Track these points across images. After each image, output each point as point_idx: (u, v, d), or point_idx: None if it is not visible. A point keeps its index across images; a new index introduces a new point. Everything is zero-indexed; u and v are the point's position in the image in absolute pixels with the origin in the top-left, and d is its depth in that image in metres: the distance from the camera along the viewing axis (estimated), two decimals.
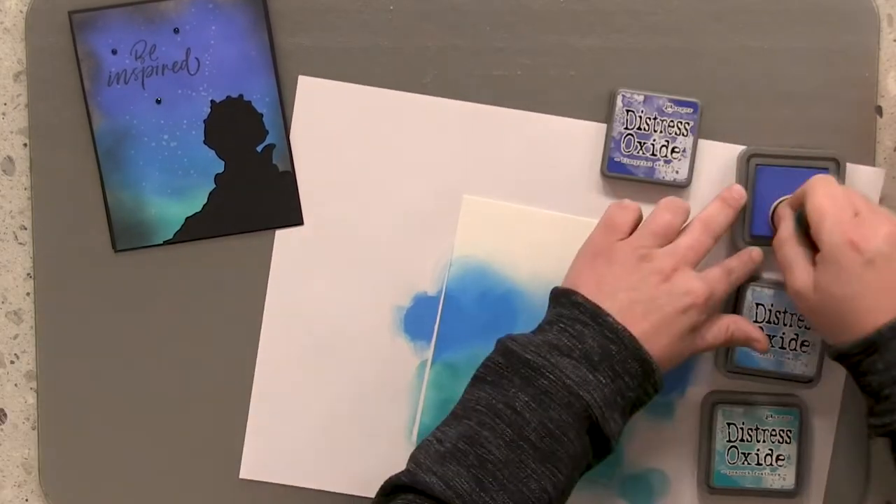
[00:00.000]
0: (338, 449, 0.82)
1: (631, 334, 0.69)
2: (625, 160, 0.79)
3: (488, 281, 0.81)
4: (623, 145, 0.79)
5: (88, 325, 0.81)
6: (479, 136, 0.80)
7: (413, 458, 0.69)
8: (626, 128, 0.79)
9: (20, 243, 0.82)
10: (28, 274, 0.82)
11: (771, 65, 0.80)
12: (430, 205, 0.80)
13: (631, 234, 0.74)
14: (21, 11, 0.80)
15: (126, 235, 0.80)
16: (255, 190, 0.80)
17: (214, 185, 0.80)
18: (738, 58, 0.80)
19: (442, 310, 0.81)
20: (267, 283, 0.81)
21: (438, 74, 0.80)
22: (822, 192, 0.71)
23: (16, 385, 0.83)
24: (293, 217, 0.81)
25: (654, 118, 0.78)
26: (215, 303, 0.81)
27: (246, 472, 0.81)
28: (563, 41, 0.80)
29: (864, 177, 0.80)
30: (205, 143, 0.80)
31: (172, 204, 0.80)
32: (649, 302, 0.71)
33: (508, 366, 0.69)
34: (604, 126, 0.79)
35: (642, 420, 0.80)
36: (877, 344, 0.67)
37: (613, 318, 0.69)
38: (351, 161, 0.80)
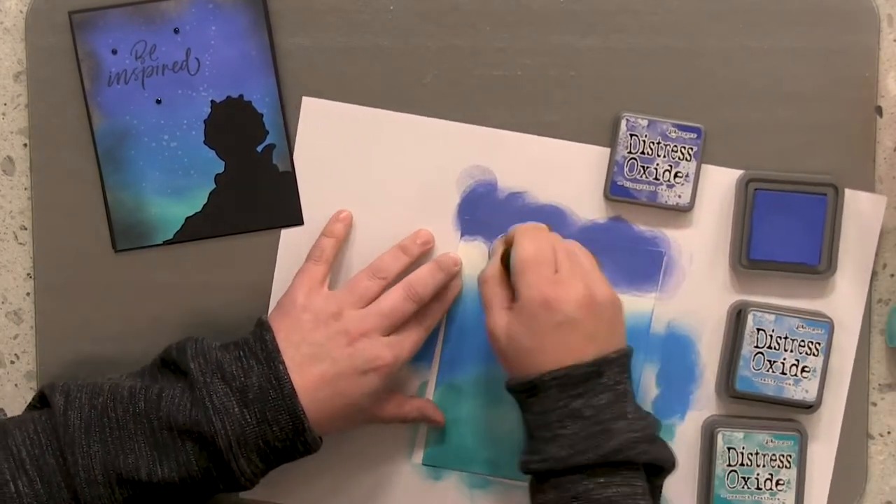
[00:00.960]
0: (336, 468, 0.81)
1: (292, 388, 0.71)
2: (628, 184, 0.79)
3: None
4: (626, 169, 0.79)
5: (88, 325, 0.81)
6: (481, 158, 0.80)
7: (73, 379, 0.73)
8: (630, 152, 0.79)
9: (20, 243, 0.82)
10: (28, 274, 0.82)
11: (771, 65, 0.80)
12: (433, 224, 0.80)
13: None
14: (21, 11, 0.80)
15: (126, 235, 0.80)
16: (256, 190, 0.80)
17: (214, 185, 0.80)
18: (738, 58, 0.80)
19: (444, 333, 0.81)
20: (267, 283, 0.81)
21: (438, 74, 0.80)
22: (528, 242, 0.72)
23: (16, 385, 0.83)
24: (293, 217, 0.81)
25: (658, 142, 0.78)
26: (215, 303, 0.81)
27: None
28: (563, 41, 0.80)
29: (865, 204, 0.80)
30: (205, 143, 0.80)
31: (172, 204, 0.80)
32: (329, 361, 0.72)
33: (179, 362, 0.72)
34: (606, 150, 0.79)
35: None
36: (537, 388, 0.69)
37: (285, 368, 0.71)
38: (353, 177, 0.80)
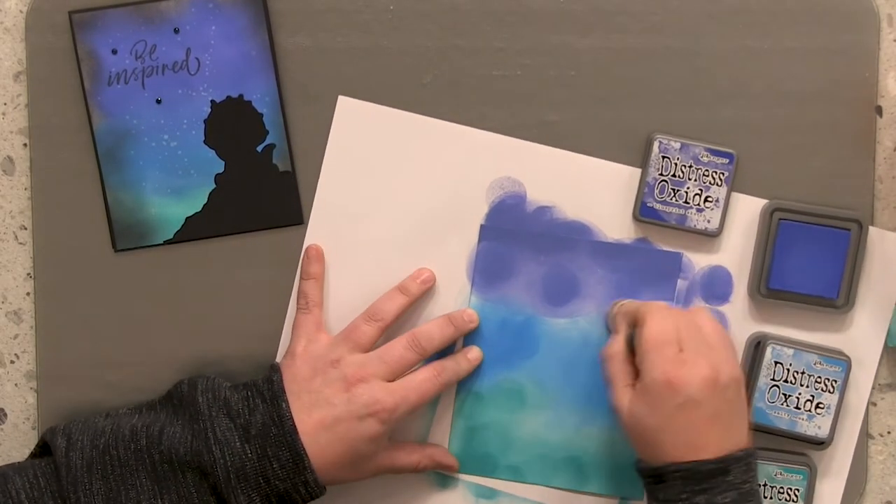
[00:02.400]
0: None
1: (293, 425, 0.71)
2: (657, 206, 0.79)
3: (507, 309, 0.81)
4: (657, 191, 0.79)
5: (88, 325, 0.81)
6: (512, 169, 0.80)
7: (74, 421, 0.75)
8: (661, 174, 0.79)
9: (20, 243, 0.82)
10: (28, 274, 0.82)
11: (771, 65, 0.80)
12: (454, 237, 0.80)
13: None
14: (21, 11, 0.80)
15: (126, 235, 0.80)
16: (256, 190, 0.80)
17: (215, 185, 0.80)
18: (738, 58, 0.80)
19: (465, 338, 0.81)
20: (266, 282, 0.81)
21: (438, 74, 0.80)
22: (655, 321, 0.72)
23: (16, 385, 0.83)
24: (293, 217, 0.81)
25: (690, 166, 0.78)
26: (215, 303, 0.81)
27: None
28: (563, 41, 0.80)
29: (890, 243, 0.80)
30: (205, 143, 0.80)
31: (172, 204, 0.80)
32: (327, 407, 0.73)
33: (187, 396, 0.74)
34: (637, 170, 0.79)
35: None
36: (663, 476, 0.69)
37: (287, 406, 0.72)
38: (383, 179, 0.80)
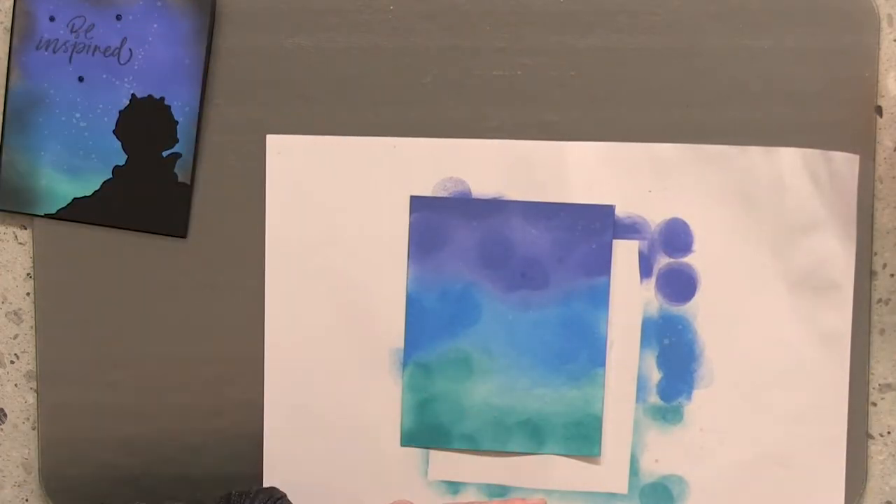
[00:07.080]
0: (348, 490, 0.82)
1: None
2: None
3: (446, 278, 0.81)
4: None
5: (88, 325, 0.81)
6: (454, 170, 0.80)
7: None
8: None
9: (20, 243, 0.82)
10: (28, 274, 0.82)
11: (771, 65, 0.80)
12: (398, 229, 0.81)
13: None
14: None
15: (8, 197, 0.80)
16: (149, 192, 0.80)
17: (111, 176, 0.80)
18: (738, 58, 0.80)
19: (406, 312, 0.81)
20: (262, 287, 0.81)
21: (438, 74, 0.80)
22: None
23: (16, 385, 0.83)
24: (178, 229, 0.80)
25: None
26: (218, 304, 0.81)
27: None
28: (563, 41, 0.80)
29: (840, 164, 0.80)
30: (114, 132, 0.80)
31: (64, 181, 0.80)
32: None
33: None
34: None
35: (652, 428, 0.81)
36: None
37: None
38: (329, 210, 0.80)
